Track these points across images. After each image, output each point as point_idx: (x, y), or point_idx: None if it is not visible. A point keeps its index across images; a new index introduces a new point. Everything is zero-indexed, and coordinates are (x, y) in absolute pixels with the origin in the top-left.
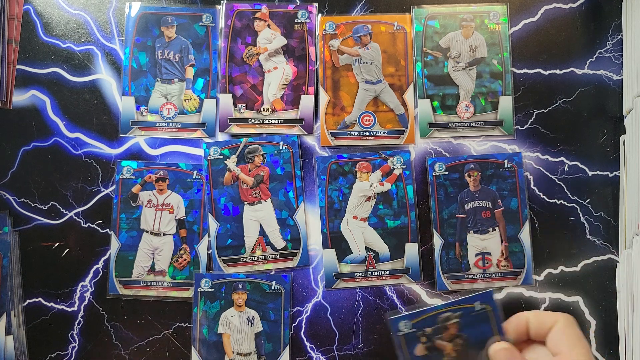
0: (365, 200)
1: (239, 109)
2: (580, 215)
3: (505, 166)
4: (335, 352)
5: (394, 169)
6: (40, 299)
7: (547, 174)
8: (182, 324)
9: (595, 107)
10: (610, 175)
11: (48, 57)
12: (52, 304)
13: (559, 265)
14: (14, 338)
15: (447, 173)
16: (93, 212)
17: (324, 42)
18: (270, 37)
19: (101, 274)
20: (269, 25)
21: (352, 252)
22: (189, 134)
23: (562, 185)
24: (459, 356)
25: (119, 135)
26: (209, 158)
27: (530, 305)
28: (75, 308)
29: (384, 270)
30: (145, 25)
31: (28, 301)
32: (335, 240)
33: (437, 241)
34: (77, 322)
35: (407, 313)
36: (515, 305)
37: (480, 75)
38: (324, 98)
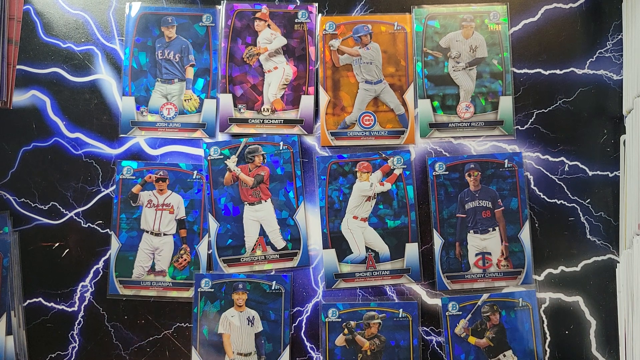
0: (366, 200)
1: (239, 109)
2: (581, 215)
3: (506, 166)
4: None
5: (394, 169)
6: (40, 299)
7: (547, 174)
8: (182, 324)
9: (595, 107)
10: (610, 175)
11: (48, 57)
12: (52, 304)
13: (559, 265)
14: (14, 338)
15: (447, 173)
16: (93, 212)
17: (324, 42)
18: (270, 37)
19: (101, 274)
20: (269, 25)
21: (352, 252)
22: (189, 134)
23: (562, 185)
24: (374, 356)
25: (119, 135)
26: (209, 158)
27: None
28: (76, 308)
29: (384, 270)
30: (146, 25)
31: (28, 301)
32: (335, 240)
33: (437, 241)
34: (77, 322)
35: (340, 302)
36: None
37: (480, 75)
38: (324, 98)
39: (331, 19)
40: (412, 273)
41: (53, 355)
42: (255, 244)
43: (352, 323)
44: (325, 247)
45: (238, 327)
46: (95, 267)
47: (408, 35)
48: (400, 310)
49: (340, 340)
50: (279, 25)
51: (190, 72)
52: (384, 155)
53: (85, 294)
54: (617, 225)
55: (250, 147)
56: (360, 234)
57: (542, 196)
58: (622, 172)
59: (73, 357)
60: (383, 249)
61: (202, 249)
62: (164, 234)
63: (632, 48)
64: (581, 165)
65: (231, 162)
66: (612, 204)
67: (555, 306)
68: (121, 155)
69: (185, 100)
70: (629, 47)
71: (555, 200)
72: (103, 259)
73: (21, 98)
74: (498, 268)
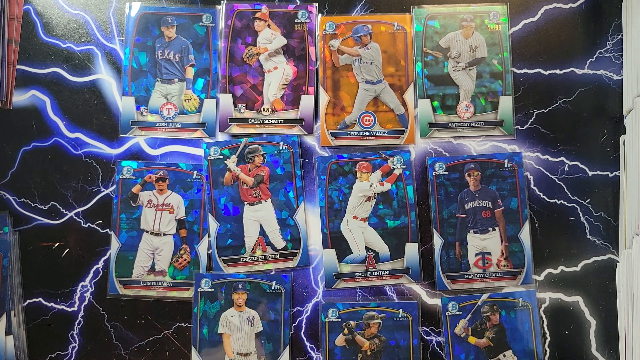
0: (366, 200)
1: (239, 109)
2: (580, 215)
3: (506, 166)
4: None
5: (394, 169)
6: (40, 299)
7: (547, 174)
8: (182, 324)
9: (595, 107)
10: (610, 175)
11: (48, 57)
12: (52, 304)
13: (559, 265)
14: (14, 338)
15: (447, 173)
16: (93, 212)
17: (324, 42)
18: (270, 37)
19: (101, 274)
20: (269, 25)
21: (352, 252)
22: (189, 134)
23: (562, 185)
24: (374, 356)
25: (119, 135)
26: (209, 158)
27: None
28: (75, 308)
29: (384, 270)
30: (145, 25)
31: (28, 301)
32: (335, 240)
33: (437, 241)
34: (77, 322)
35: (340, 302)
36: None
37: (480, 75)
38: (324, 98)
39: (331, 19)
40: (412, 273)
41: (53, 355)
42: (255, 244)
43: (352, 323)
44: (325, 247)
45: (238, 327)
46: (95, 267)
47: (408, 35)
48: (400, 310)
49: (340, 340)
50: (279, 25)
51: (190, 72)
52: (384, 155)
53: (85, 294)
54: (617, 225)
55: (250, 147)
56: (360, 234)
57: (542, 196)
58: (622, 172)
59: (73, 357)
60: (383, 249)
61: (202, 249)
62: (164, 234)
63: (632, 48)
64: (581, 165)
65: (231, 162)
66: (612, 204)
67: (555, 306)
68: (121, 155)
69: (185, 100)
70: (629, 47)
71: (555, 200)
72: (103, 259)
73: (21, 98)
74: (498, 268)
